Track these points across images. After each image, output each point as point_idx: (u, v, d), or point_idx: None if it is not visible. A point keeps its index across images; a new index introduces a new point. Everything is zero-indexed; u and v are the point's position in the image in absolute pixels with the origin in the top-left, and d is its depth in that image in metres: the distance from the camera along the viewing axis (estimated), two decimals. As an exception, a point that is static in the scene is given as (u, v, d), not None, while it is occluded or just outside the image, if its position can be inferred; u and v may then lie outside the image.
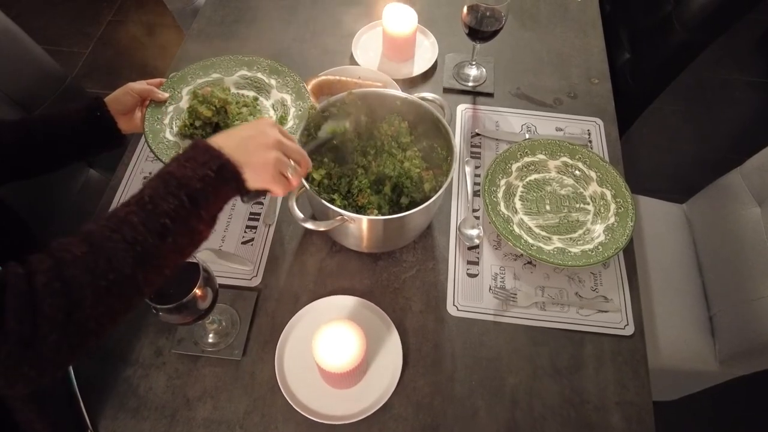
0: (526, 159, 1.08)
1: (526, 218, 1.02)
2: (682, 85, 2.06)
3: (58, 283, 0.52)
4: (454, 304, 0.94)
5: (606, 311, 0.94)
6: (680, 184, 1.94)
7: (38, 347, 0.51)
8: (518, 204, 1.04)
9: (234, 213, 1.05)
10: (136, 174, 1.09)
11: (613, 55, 1.46)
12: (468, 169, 1.10)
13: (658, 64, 1.39)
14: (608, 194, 1.03)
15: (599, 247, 0.97)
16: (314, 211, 0.96)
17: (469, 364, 0.89)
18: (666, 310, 1.22)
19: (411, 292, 0.96)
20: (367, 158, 0.95)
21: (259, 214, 1.04)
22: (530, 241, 0.98)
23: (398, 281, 0.97)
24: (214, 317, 0.87)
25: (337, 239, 0.98)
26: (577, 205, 1.04)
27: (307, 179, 0.90)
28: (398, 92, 1.00)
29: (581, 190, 1.06)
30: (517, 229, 0.99)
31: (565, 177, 1.07)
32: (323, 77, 1.15)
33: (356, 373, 0.81)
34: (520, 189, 1.05)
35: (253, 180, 0.67)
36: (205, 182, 0.62)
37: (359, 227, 0.88)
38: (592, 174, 1.06)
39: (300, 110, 1.01)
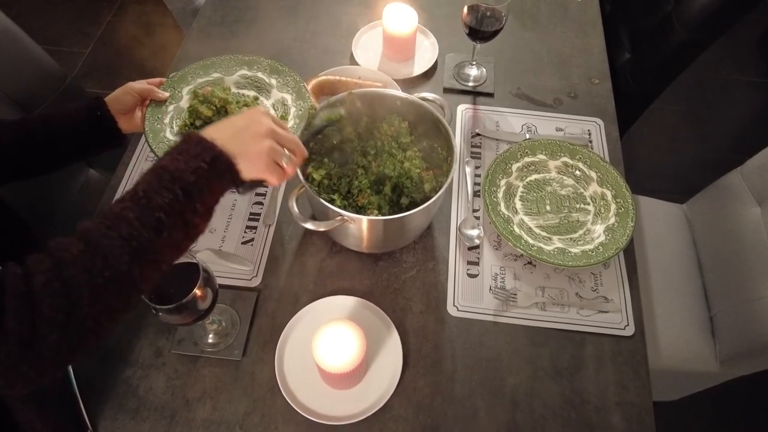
0: (527, 159, 1.08)
1: (526, 218, 1.02)
2: (682, 85, 2.06)
3: (57, 283, 0.52)
4: (454, 305, 0.94)
5: (606, 312, 0.94)
6: (680, 184, 1.94)
7: (38, 347, 0.51)
8: (518, 204, 1.03)
9: (234, 213, 1.04)
10: (136, 174, 1.09)
11: (614, 55, 1.45)
12: (468, 170, 1.10)
13: (659, 64, 1.39)
14: (608, 194, 1.03)
15: (599, 247, 0.96)
16: (314, 211, 0.96)
17: (469, 364, 0.89)
18: (666, 310, 1.22)
19: (411, 293, 0.96)
20: (367, 158, 0.95)
21: (259, 215, 1.04)
22: (530, 241, 0.97)
23: (398, 281, 0.97)
24: (213, 317, 0.87)
25: (337, 239, 0.98)
26: (578, 206, 1.04)
27: (307, 179, 0.90)
28: (398, 92, 1.00)
29: (581, 190, 1.06)
30: (517, 230, 0.99)
31: (565, 177, 1.07)
32: (323, 77, 1.15)
33: (356, 374, 0.81)
34: (521, 189, 1.05)
35: (247, 170, 0.66)
36: (198, 175, 0.61)
37: (359, 227, 0.88)
38: (593, 174, 1.06)
39: (300, 110, 1.01)
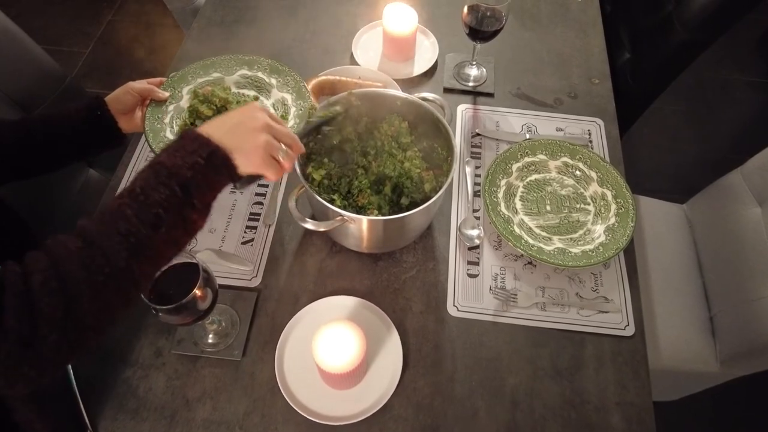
0: (527, 159, 1.08)
1: (526, 218, 1.02)
2: (682, 85, 2.06)
3: (55, 281, 0.52)
4: (454, 305, 0.94)
5: (606, 312, 0.94)
6: (681, 184, 1.94)
7: (38, 346, 0.51)
8: (519, 204, 1.03)
9: (234, 213, 1.04)
10: (136, 174, 1.09)
11: (614, 55, 1.45)
12: (468, 170, 1.10)
13: (659, 64, 1.39)
14: (609, 194, 1.03)
15: (600, 247, 0.96)
16: (314, 211, 0.96)
17: (469, 364, 0.89)
18: (666, 310, 1.22)
19: (411, 293, 0.95)
20: (367, 158, 0.95)
21: (259, 215, 1.04)
22: (531, 241, 0.97)
23: (398, 282, 0.97)
24: (213, 318, 0.87)
25: (337, 239, 0.98)
26: (578, 206, 1.04)
27: (307, 179, 0.90)
28: (398, 92, 1.00)
29: (582, 190, 1.05)
30: (517, 230, 0.99)
31: (565, 177, 1.07)
32: (323, 77, 1.15)
33: (356, 374, 0.81)
34: (521, 189, 1.05)
35: (243, 165, 0.66)
36: (195, 170, 0.61)
37: (359, 227, 0.88)
38: (593, 174, 1.06)
39: (300, 110, 1.01)
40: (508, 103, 1.23)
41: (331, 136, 0.95)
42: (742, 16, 1.24)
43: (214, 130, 0.66)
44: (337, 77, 1.16)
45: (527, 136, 1.16)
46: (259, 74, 1.07)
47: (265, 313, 0.93)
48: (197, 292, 0.72)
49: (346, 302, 0.93)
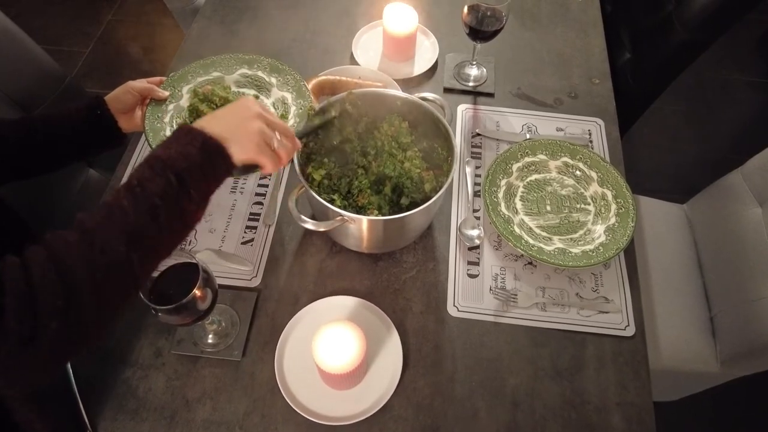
0: (527, 159, 1.08)
1: (526, 218, 1.01)
2: (682, 85, 2.06)
3: (55, 273, 0.52)
4: (454, 305, 0.94)
5: (607, 312, 0.93)
6: (681, 185, 1.94)
7: (39, 341, 0.51)
8: (519, 204, 1.03)
9: (234, 213, 1.04)
10: (136, 174, 1.09)
11: (614, 55, 1.45)
12: (468, 170, 1.10)
13: (659, 64, 1.38)
14: (609, 194, 1.03)
15: (600, 247, 0.96)
16: (314, 211, 0.96)
17: (469, 364, 0.88)
18: (667, 310, 1.22)
19: (411, 293, 0.95)
20: (368, 158, 0.95)
21: (259, 215, 1.04)
22: (531, 241, 0.97)
23: (398, 282, 0.97)
24: (213, 318, 0.87)
25: (337, 240, 0.98)
26: (578, 206, 1.04)
27: (307, 179, 0.90)
28: (398, 92, 1.00)
29: (582, 190, 1.05)
30: (517, 230, 0.99)
31: (565, 177, 1.07)
32: (323, 77, 1.15)
33: (356, 374, 0.81)
34: (521, 189, 1.05)
35: (238, 152, 0.67)
36: (190, 160, 0.62)
37: (359, 228, 0.88)
38: (593, 174, 1.06)
39: (300, 109, 1.01)
40: (508, 103, 1.23)
41: (331, 136, 0.95)
42: (742, 16, 1.24)
43: (207, 123, 0.67)
44: (337, 77, 1.15)
45: (527, 136, 1.15)
46: (259, 73, 1.07)
47: (265, 313, 0.93)
48: (197, 292, 0.72)
49: (346, 302, 0.93)
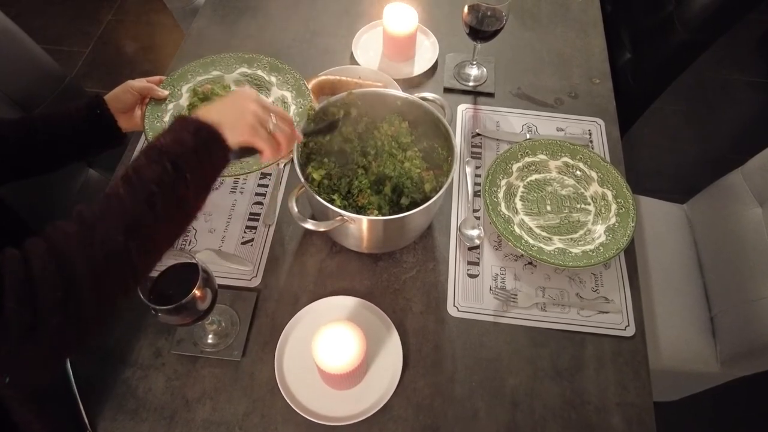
0: (527, 159, 1.08)
1: (526, 218, 1.01)
2: (683, 85, 2.06)
3: (54, 264, 0.52)
4: (454, 305, 0.94)
5: (607, 312, 0.93)
6: (681, 185, 1.94)
7: (40, 333, 0.51)
8: (519, 204, 1.03)
9: (234, 213, 1.04)
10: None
11: (614, 55, 1.45)
12: (468, 170, 1.10)
13: (659, 64, 1.38)
14: (609, 194, 1.03)
15: (600, 247, 0.96)
16: (314, 211, 0.96)
17: (469, 365, 0.88)
18: (667, 310, 1.22)
19: (411, 293, 0.95)
20: (368, 158, 0.95)
21: (258, 215, 1.04)
22: (531, 241, 0.97)
23: (398, 282, 0.96)
24: (213, 318, 0.87)
25: (337, 240, 0.98)
26: (578, 206, 1.04)
27: (307, 179, 0.90)
28: (399, 92, 1.00)
29: (582, 190, 1.05)
30: (517, 230, 0.99)
31: (566, 177, 1.07)
32: (323, 77, 1.15)
33: (356, 374, 0.81)
34: (521, 189, 1.05)
35: (233, 134, 0.67)
36: (184, 146, 0.62)
37: (359, 228, 0.88)
38: (593, 174, 1.06)
39: (300, 107, 1.01)
40: (508, 103, 1.23)
41: (333, 140, 0.95)
42: (742, 17, 1.24)
43: (202, 111, 0.68)
44: (337, 77, 1.15)
45: (528, 136, 1.15)
46: (259, 72, 1.07)
47: (265, 313, 0.93)
48: (197, 292, 0.72)
49: (346, 302, 0.93)
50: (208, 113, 0.67)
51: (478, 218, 1.04)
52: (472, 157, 1.13)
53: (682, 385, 1.33)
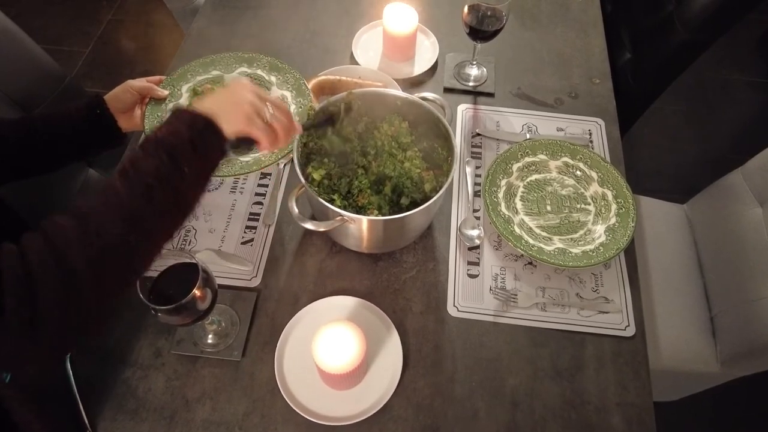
0: (527, 159, 1.08)
1: (526, 219, 1.01)
2: (683, 85, 2.06)
3: (52, 258, 0.52)
4: (454, 305, 0.94)
5: (607, 312, 0.93)
6: (681, 185, 1.94)
7: (40, 327, 0.51)
8: (519, 204, 1.03)
9: (234, 213, 1.04)
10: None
11: (615, 55, 1.45)
12: (469, 170, 1.10)
13: (659, 64, 1.38)
14: (609, 194, 1.03)
15: (600, 247, 0.96)
16: (314, 211, 0.96)
17: (469, 365, 0.88)
18: (667, 310, 1.22)
19: (411, 293, 0.95)
20: (368, 158, 0.95)
21: (258, 215, 1.04)
22: (531, 241, 0.97)
23: (398, 282, 0.96)
24: (213, 318, 0.87)
25: (337, 240, 0.98)
26: (578, 206, 1.03)
27: (307, 179, 0.90)
28: (399, 92, 1.00)
29: (582, 190, 1.05)
30: (517, 230, 0.99)
31: (566, 177, 1.07)
32: (323, 77, 1.15)
33: (356, 374, 0.81)
34: (521, 189, 1.05)
35: (228, 124, 0.66)
36: (180, 138, 0.62)
37: (359, 228, 0.88)
38: (593, 174, 1.06)
39: (300, 107, 1.01)
40: (508, 103, 1.23)
41: (331, 138, 0.95)
42: (742, 17, 1.24)
43: (198, 102, 0.68)
44: (337, 77, 1.15)
45: (528, 136, 1.15)
46: (259, 72, 1.07)
47: (265, 313, 0.93)
48: (197, 292, 0.72)
49: (346, 302, 0.93)
50: (203, 104, 0.67)
51: (478, 218, 1.04)
52: (472, 157, 1.13)
53: (682, 385, 1.33)
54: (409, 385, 0.86)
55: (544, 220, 1.01)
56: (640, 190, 1.28)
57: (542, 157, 1.08)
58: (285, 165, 1.10)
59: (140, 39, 2.70)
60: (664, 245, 1.32)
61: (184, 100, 1.01)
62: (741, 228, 1.20)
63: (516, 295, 0.95)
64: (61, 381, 0.84)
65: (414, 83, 1.25)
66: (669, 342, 1.18)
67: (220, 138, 0.66)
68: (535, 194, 1.05)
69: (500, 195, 1.03)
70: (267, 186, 1.08)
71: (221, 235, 1.01)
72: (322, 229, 0.86)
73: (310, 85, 1.08)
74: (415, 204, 0.89)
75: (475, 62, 1.25)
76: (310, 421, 0.81)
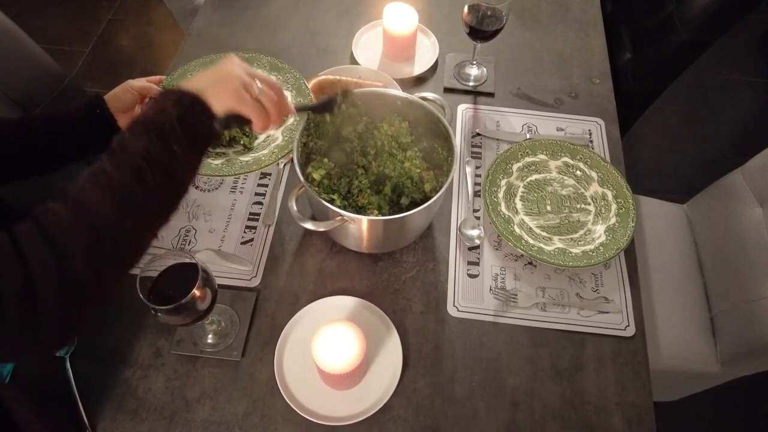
0: (527, 159, 1.08)
1: (526, 218, 1.01)
2: (683, 85, 2.06)
3: (43, 243, 0.52)
4: (454, 305, 0.94)
5: (607, 312, 0.93)
6: (681, 185, 1.94)
7: (39, 312, 0.50)
8: (519, 204, 1.03)
9: (233, 213, 1.04)
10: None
11: (615, 55, 1.45)
12: (469, 170, 1.10)
13: (660, 64, 1.38)
14: (609, 194, 1.03)
15: (600, 247, 0.96)
16: (314, 211, 0.96)
17: (469, 365, 0.88)
18: (667, 310, 1.22)
19: (411, 293, 0.95)
20: (367, 158, 0.95)
21: (258, 215, 1.04)
22: (531, 241, 0.97)
23: (398, 282, 0.96)
24: (213, 318, 0.87)
25: (337, 240, 0.98)
26: (578, 206, 1.03)
27: (306, 179, 0.90)
28: (398, 92, 1.00)
29: (582, 190, 1.05)
30: (517, 230, 0.99)
31: (566, 177, 1.07)
32: (323, 77, 1.15)
33: (356, 374, 0.81)
34: (521, 189, 1.05)
35: (216, 100, 0.65)
36: (167, 116, 0.61)
37: (359, 228, 0.88)
38: (593, 174, 1.06)
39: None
40: (508, 103, 1.23)
41: (330, 139, 0.95)
42: (742, 17, 1.24)
43: (186, 81, 0.67)
44: (337, 77, 1.15)
45: (528, 136, 1.15)
46: (259, 71, 1.07)
47: (265, 313, 0.93)
48: (196, 292, 0.72)
49: (345, 302, 0.93)
50: (191, 82, 0.66)
51: (478, 218, 1.04)
52: (472, 157, 1.13)
53: (682, 385, 1.33)
54: (409, 385, 0.86)
55: (544, 220, 1.01)
56: (640, 190, 1.28)
57: (542, 157, 1.08)
58: (285, 165, 1.10)
59: (140, 39, 2.70)
60: (664, 245, 1.32)
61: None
62: (741, 228, 1.20)
63: (516, 295, 0.95)
64: (61, 381, 0.84)
65: (414, 83, 1.25)
66: (669, 342, 1.18)
67: (208, 115, 0.65)
68: (535, 194, 1.05)
69: (500, 195, 1.03)
70: (267, 186, 1.08)
71: (221, 235, 1.01)
72: (322, 229, 0.86)
73: (310, 85, 1.08)
74: (415, 204, 0.89)
75: (475, 62, 1.25)
76: (310, 421, 0.81)
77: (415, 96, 0.97)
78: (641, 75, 1.43)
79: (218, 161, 0.97)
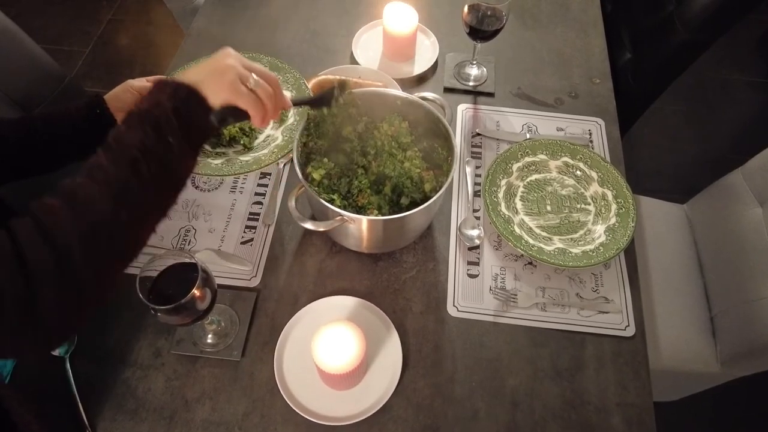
0: (527, 159, 1.08)
1: (526, 218, 1.01)
2: (683, 85, 2.06)
3: (40, 238, 0.51)
4: (454, 305, 0.94)
5: (607, 312, 0.93)
6: (681, 185, 1.94)
7: (38, 308, 0.50)
8: (519, 204, 1.03)
9: (233, 213, 1.04)
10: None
11: (615, 55, 1.45)
12: (468, 170, 1.10)
13: (660, 64, 1.38)
14: (609, 194, 1.03)
15: (600, 247, 0.96)
16: (314, 211, 0.96)
17: (469, 365, 0.88)
18: (667, 310, 1.22)
19: (411, 293, 0.95)
20: (367, 158, 0.95)
21: (258, 215, 1.04)
22: (531, 241, 0.97)
23: (398, 282, 0.96)
24: (213, 318, 0.87)
25: (337, 240, 0.98)
26: (578, 206, 1.03)
27: (306, 179, 0.90)
28: (398, 92, 1.00)
29: (582, 190, 1.05)
30: (517, 230, 0.99)
31: (566, 177, 1.07)
32: (323, 76, 1.15)
33: (356, 374, 0.81)
34: (521, 189, 1.05)
35: (212, 92, 0.65)
36: (163, 108, 0.60)
37: (359, 228, 0.88)
38: (593, 174, 1.06)
39: (300, 107, 1.01)
40: (508, 103, 1.23)
41: (330, 139, 0.94)
42: (742, 17, 1.24)
43: (182, 75, 0.66)
44: (337, 77, 1.15)
45: (528, 136, 1.15)
46: (255, 64, 1.07)
47: (265, 313, 0.93)
48: (196, 292, 0.72)
49: (345, 302, 0.93)
50: (186, 75, 0.65)
51: (478, 218, 1.04)
52: (472, 157, 1.13)
53: (682, 385, 1.33)
54: (409, 385, 0.86)
55: (544, 220, 1.01)
56: (640, 190, 1.28)
57: (542, 157, 1.08)
58: (285, 165, 1.10)
59: (140, 39, 2.70)
60: (664, 245, 1.32)
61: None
62: (741, 228, 1.20)
63: (516, 295, 0.95)
64: (61, 381, 0.84)
65: (414, 83, 1.25)
66: (669, 342, 1.18)
67: (204, 107, 0.64)
68: (535, 194, 1.05)
69: (500, 195, 1.03)
70: (267, 186, 1.08)
71: (221, 234, 1.01)
72: (321, 229, 0.86)
73: (310, 85, 1.08)
74: (415, 204, 0.89)
75: (475, 62, 1.25)
76: (310, 421, 0.81)
77: (415, 96, 0.97)
78: (641, 75, 1.43)
79: (218, 161, 0.97)
